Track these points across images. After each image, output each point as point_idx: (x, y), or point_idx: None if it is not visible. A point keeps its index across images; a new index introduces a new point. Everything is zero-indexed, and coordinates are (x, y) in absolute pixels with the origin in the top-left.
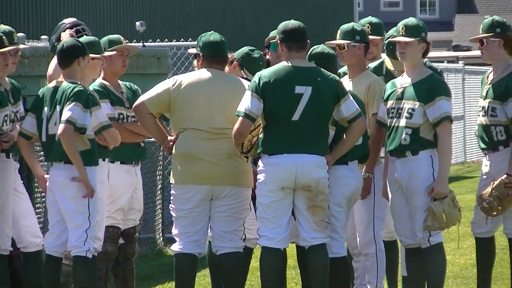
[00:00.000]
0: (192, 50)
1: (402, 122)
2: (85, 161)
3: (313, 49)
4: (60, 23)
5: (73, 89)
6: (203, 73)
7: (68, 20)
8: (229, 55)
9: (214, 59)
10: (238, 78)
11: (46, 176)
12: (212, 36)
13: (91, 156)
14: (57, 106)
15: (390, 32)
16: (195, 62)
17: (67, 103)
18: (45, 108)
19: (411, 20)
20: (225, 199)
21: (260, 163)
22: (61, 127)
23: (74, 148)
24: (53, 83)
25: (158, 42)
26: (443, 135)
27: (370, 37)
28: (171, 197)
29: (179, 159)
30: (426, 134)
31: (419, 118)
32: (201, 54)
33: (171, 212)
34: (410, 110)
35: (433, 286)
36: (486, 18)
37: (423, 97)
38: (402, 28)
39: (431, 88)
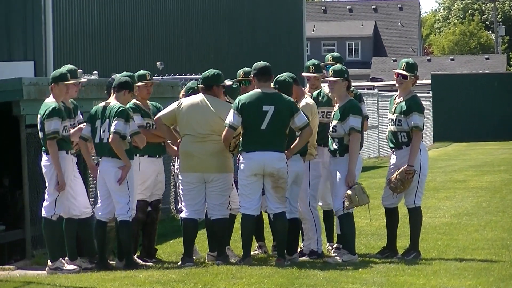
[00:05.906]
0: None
1: (332, 135)
2: None
3: (278, 77)
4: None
5: (118, 108)
6: (197, 98)
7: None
8: None
9: (206, 88)
10: (221, 101)
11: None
12: (207, 73)
13: (129, 153)
14: (107, 120)
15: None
16: (181, 92)
17: (114, 118)
18: (98, 120)
19: (337, 66)
20: (213, 182)
21: (240, 157)
22: (111, 136)
23: (121, 149)
24: (102, 103)
25: (172, 75)
26: (351, 142)
27: (313, 74)
28: (179, 181)
29: (181, 155)
30: (347, 142)
31: (341, 131)
32: (201, 85)
33: (179, 191)
34: (334, 127)
35: (346, 239)
36: (405, 58)
37: (340, 117)
38: (331, 71)
39: (345, 110)
